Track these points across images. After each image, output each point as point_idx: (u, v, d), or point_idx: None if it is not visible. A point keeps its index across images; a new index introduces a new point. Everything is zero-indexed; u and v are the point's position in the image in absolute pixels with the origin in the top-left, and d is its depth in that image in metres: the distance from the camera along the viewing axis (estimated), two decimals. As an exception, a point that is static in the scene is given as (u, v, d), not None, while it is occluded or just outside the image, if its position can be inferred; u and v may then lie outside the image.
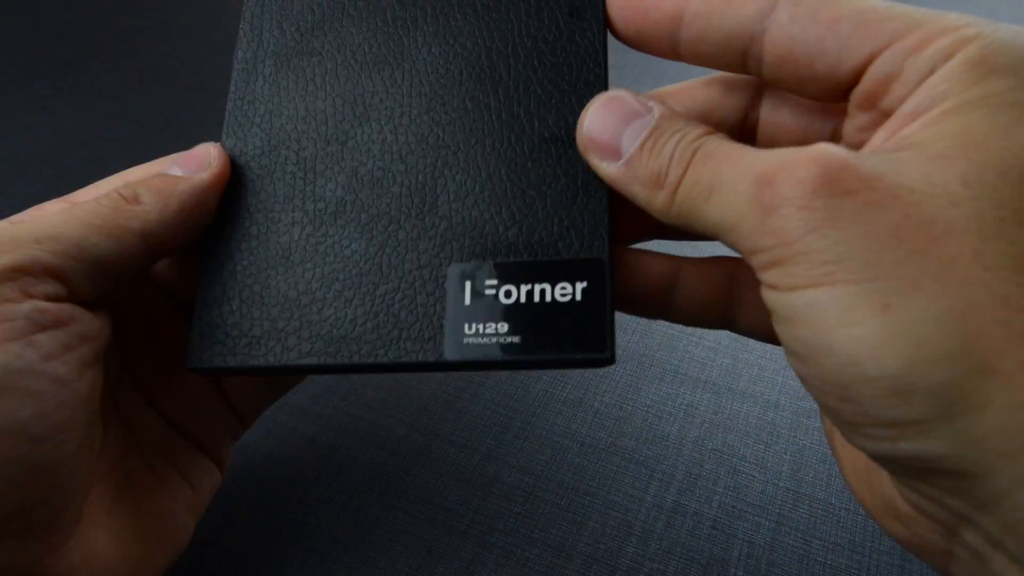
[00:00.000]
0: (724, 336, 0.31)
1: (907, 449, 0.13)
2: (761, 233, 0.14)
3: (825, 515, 0.25)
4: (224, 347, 0.19)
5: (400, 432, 0.28)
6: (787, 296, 0.14)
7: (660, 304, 0.19)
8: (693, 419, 0.28)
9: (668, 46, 0.18)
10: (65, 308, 0.17)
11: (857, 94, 0.16)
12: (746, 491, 0.26)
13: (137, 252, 0.18)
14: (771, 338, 0.18)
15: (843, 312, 0.13)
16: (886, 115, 0.15)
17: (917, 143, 0.14)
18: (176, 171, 0.20)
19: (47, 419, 0.15)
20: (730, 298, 0.19)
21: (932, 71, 0.14)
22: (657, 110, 0.17)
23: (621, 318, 0.32)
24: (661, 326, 0.32)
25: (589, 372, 0.30)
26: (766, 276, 0.14)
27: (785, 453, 0.27)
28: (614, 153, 0.17)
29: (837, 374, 0.13)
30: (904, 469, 0.13)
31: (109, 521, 0.19)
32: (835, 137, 0.18)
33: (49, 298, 0.16)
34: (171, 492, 0.21)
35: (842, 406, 0.13)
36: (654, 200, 0.17)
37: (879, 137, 0.15)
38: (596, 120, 0.17)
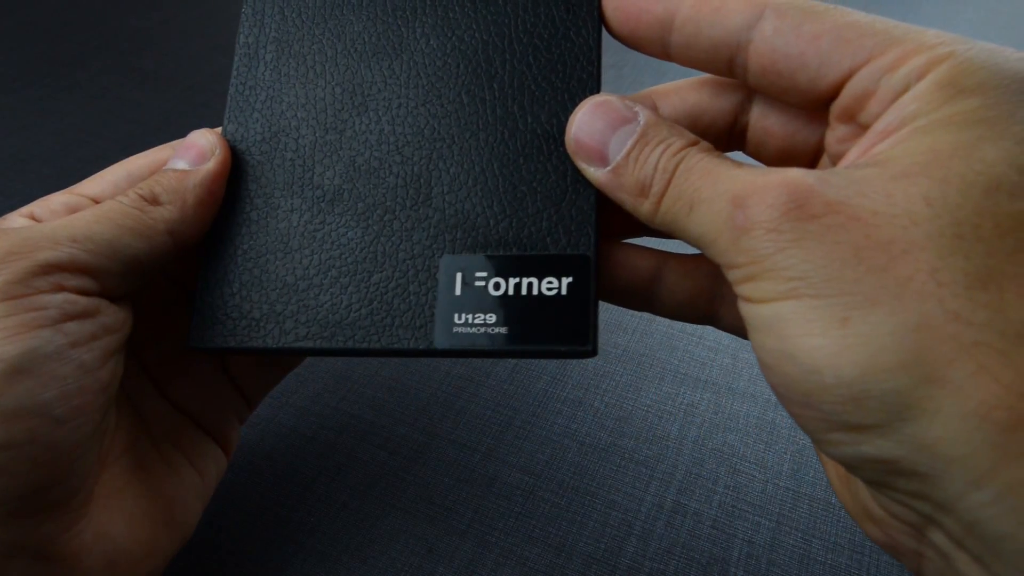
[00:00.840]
0: (724, 336, 0.31)
1: (867, 452, 0.13)
2: (735, 252, 0.15)
3: (825, 515, 0.25)
4: (224, 328, 0.20)
5: (400, 431, 0.28)
6: (757, 308, 0.15)
7: (645, 297, 0.20)
8: (693, 419, 0.28)
9: (659, 48, 0.18)
10: (94, 301, 0.18)
11: (836, 107, 0.16)
12: (746, 491, 0.26)
13: (166, 250, 0.19)
14: None
15: (805, 323, 0.14)
16: (864, 128, 0.16)
17: (884, 161, 0.14)
18: (181, 164, 0.20)
19: (69, 401, 0.16)
20: (713, 295, 0.20)
21: (905, 90, 0.15)
22: (643, 117, 0.17)
23: (622, 317, 0.32)
24: (661, 326, 0.32)
25: (589, 372, 0.30)
26: (740, 289, 0.15)
27: (785, 453, 0.27)
28: (601, 159, 0.18)
29: (800, 382, 0.14)
30: (870, 472, 0.14)
31: (120, 504, 0.19)
32: (820, 144, 0.19)
33: (80, 292, 0.17)
34: (180, 477, 0.22)
35: (805, 412, 0.14)
36: (639, 208, 0.17)
37: (853, 153, 0.16)
38: (584, 125, 0.18)
